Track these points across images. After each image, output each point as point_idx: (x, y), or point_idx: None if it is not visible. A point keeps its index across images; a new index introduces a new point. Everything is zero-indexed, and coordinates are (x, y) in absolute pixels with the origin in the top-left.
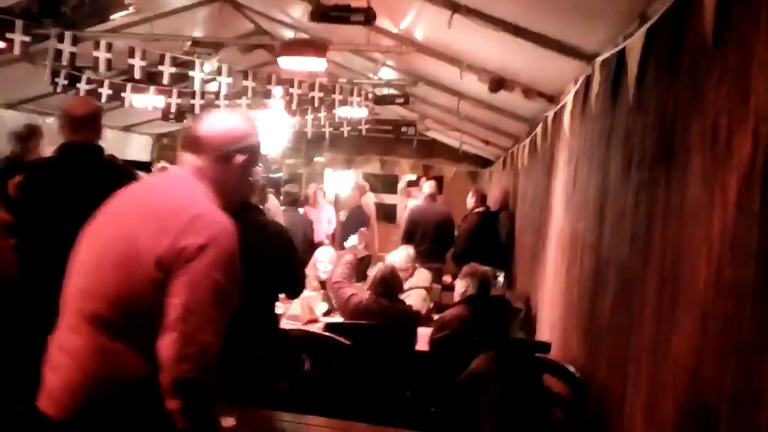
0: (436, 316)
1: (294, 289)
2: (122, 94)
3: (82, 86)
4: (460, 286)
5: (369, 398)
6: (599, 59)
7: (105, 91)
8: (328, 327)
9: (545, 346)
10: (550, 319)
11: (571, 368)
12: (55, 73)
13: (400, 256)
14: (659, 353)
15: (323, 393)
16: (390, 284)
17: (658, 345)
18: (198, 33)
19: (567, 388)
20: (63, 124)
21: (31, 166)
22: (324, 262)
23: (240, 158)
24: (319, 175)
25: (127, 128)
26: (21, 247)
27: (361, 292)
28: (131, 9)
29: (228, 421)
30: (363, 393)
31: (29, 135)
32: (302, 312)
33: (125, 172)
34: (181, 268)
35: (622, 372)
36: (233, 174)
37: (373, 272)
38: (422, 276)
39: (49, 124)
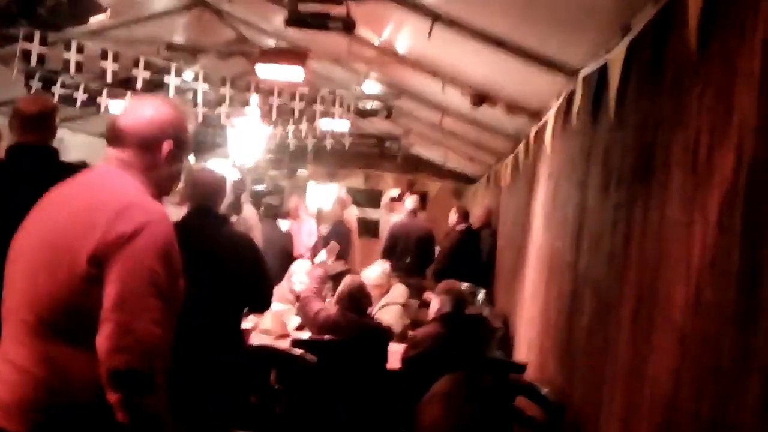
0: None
1: (260, 303)
2: (98, 100)
3: (57, 90)
4: (435, 304)
5: (337, 417)
6: (582, 74)
7: (80, 96)
8: (296, 343)
9: (521, 367)
10: (528, 338)
11: (545, 390)
12: (29, 76)
13: (375, 271)
14: (635, 377)
15: (290, 410)
16: (357, 298)
17: (634, 368)
18: (178, 39)
19: (542, 411)
20: (13, 122)
21: None
22: (299, 274)
23: (166, 145)
24: (301, 188)
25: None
26: None
27: (329, 307)
28: (108, 12)
29: None
30: (330, 412)
31: None
32: (274, 326)
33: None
34: (113, 257)
35: (598, 395)
36: (161, 162)
37: (341, 287)
38: (398, 291)
39: None
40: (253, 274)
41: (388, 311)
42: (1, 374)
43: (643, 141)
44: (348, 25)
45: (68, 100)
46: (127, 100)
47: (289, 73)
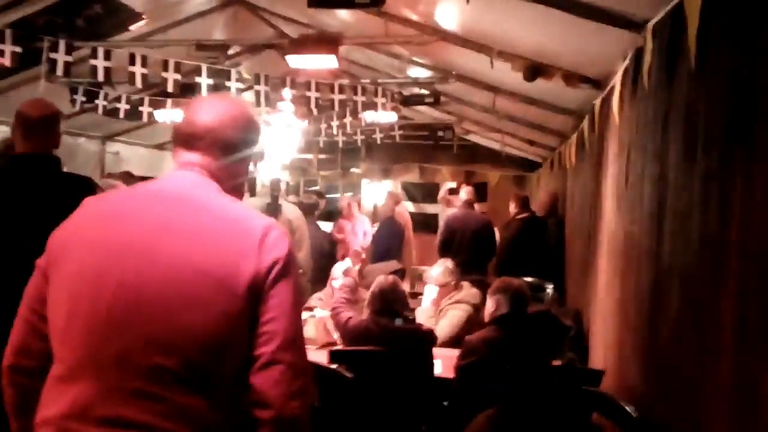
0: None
1: None
2: (140, 109)
3: (101, 102)
4: (491, 304)
5: None
6: (651, 23)
7: (123, 107)
8: (333, 355)
9: (596, 375)
10: (604, 339)
11: (629, 408)
12: (73, 90)
13: (437, 270)
14: (746, 391)
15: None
16: (390, 300)
17: (742, 383)
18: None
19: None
20: (15, 128)
21: None
22: (340, 279)
23: (248, 149)
24: (356, 187)
25: (160, 146)
26: None
27: (360, 314)
28: (145, 19)
29: None
30: (374, 428)
31: (8, 151)
32: (317, 334)
33: (83, 186)
34: (271, 289)
35: (695, 414)
36: (242, 169)
37: (371, 288)
38: (471, 292)
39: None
40: None
41: (457, 310)
42: None
43: (738, 88)
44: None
45: (112, 112)
46: (168, 107)
47: (323, 62)
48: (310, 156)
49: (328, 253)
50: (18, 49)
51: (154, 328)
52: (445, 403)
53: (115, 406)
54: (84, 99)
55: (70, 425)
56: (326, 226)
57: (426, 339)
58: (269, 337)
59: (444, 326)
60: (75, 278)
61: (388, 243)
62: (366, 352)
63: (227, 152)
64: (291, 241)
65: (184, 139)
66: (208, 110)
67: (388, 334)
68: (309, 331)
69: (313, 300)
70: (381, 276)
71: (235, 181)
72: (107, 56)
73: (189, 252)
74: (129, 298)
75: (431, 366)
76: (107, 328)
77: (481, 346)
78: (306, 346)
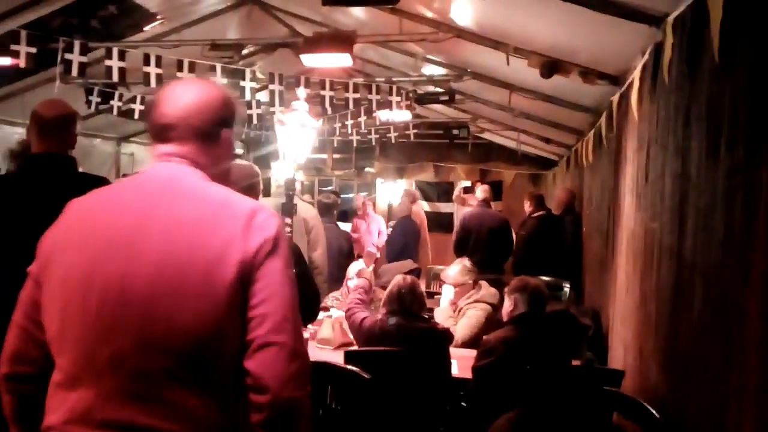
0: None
1: (304, 314)
2: None
3: (115, 103)
4: (508, 304)
5: None
6: (671, 17)
7: (138, 107)
8: (349, 356)
9: (616, 375)
10: (624, 339)
11: (651, 409)
12: (88, 92)
13: (453, 269)
14: None
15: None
16: (406, 300)
17: None
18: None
19: None
20: (31, 128)
21: None
22: (355, 279)
23: (226, 132)
24: (371, 186)
25: None
26: None
27: (376, 314)
28: (159, 19)
29: None
30: (391, 429)
31: (25, 151)
32: (333, 335)
33: (99, 186)
34: (258, 271)
35: (718, 414)
36: (224, 152)
37: (388, 287)
38: (489, 291)
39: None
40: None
41: (477, 309)
42: None
43: (764, 81)
44: None
45: (127, 113)
46: None
47: (337, 60)
48: (324, 156)
49: (346, 253)
50: (33, 50)
51: (144, 328)
52: (463, 404)
53: (115, 410)
54: (99, 100)
55: (72, 430)
56: (345, 226)
57: (442, 338)
58: (260, 319)
59: (463, 327)
60: (64, 284)
61: (404, 242)
62: (382, 353)
63: (203, 137)
64: (281, 223)
65: (157, 132)
66: (177, 98)
67: (403, 334)
68: (325, 331)
69: (329, 300)
70: (399, 276)
71: (219, 165)
72: (122, 57)
73: (172, 246)
74: (115, 300)
75: (448, 366)
76: (98, 333)
77: (499, 347)
78: (323, 346)
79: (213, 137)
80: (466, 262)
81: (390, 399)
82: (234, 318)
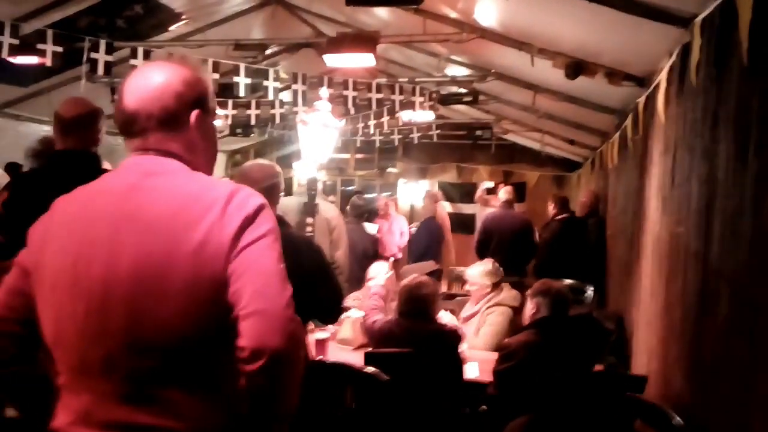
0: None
1: (327, 314)
2: None
3: None
4: (530, 307)
5: None
6: (699, 18)
7: None
8: (368, 357)
9: (639, 382)
10: (648, 344)
11: (675, 416)
12: (114, 90)
13: (476, 269)
14: None
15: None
16: (414, 301)
17: None
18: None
19: None
20: (54, 127)
21: (17, 179)
22: (375, 279)
23: (193, 114)
24: (393, 186)
25: None
26: None
27: (387, 317)
28: (184, 19)
29: None
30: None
31: (46, 150)
32: (354, 335)
33: None
34: (236, 248)
35: (744, 423)
36: (198, 137)
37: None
38: (510, 294)
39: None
40: (317, 281)
41: (497, 313)
42: None
43: None
44: None
45: None
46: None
47: (360, 60)
48: (347, 155)
49: (371, 255)
50: (59, 49)
51: (131, 329)
52: (484, 407)
53: (113, 411)
54: None
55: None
56: (371, 227)
57: (449, 339)
58: (238, 295)
59: (487, 334)
60: (54, 289)
61: (428, 243)
62: (396, 355)
63: (167, 125)
64: (263, 202)
65: (120, 126)
66: (135, 88)
67: (410, 336)
68: (345, 331)
69: (350, 300)
70: (410, 277)
71: (196, 151)
72: (146, 56)
73: (150, 243)
74: (100, 303)
75: (459, 366)
76: (89, 337)
77: (521, 350)
78: (343, 346)
79: (179, 123)
80: (489, 264)
81: (406, 400)
82: (220, 310)
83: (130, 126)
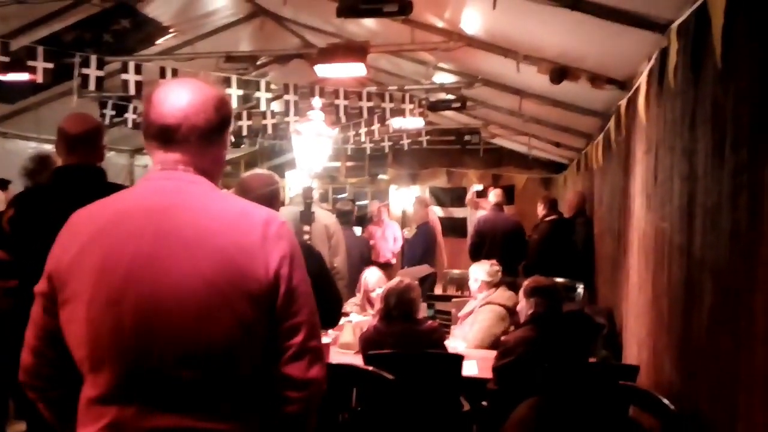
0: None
1: (326, 319)
2: None
3: (130, 116)
4: (524, 304)
5: None
6: (675, 24)
7: None
8: (369, 358)
9: (631, 371)
10: (638, 336)
11: (665, 400)
12: (103, 105)
13: (483, 269)
14: None
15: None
16: (405, 303)
17: None
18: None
19: (660, 423)
20: (59, 144)
21: (22, 196)
22: (374, 283)
23: (226, 131)
24: (384, 193)
25: None
26: (21, 287)
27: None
28: (172, 32)
29: None
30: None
31: (40, 167)
32: (354, 340)
33: None
34: (285, 283)
35: (730, 404)
36: (221, 152)
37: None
38: (504, 294)
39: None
40: (318, 288)
41: (486, 311)
42: None
43: (765, 84)
44: (404, 6)
45: (141, 125)
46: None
47: (351, 70)
48: (338, 164)
49: (367, 259)
50: (50, 66)
51: (178, 344)
52: (484, 404)
53: (156, 420)
54: (113, 113)
55: None
56: (357, 232)
57: (436, 335)
58: (296, 329)
59: (475, 330)
60: (91, 306)
61: (424, 248)
62: (393, 355)
63: (206, 139)
64: (293, 233)
65: (156, 134)
66: (176, 97)
67: (403, 337)
68: (346, 336)
69: (349, 305)
70: (394, 281)
71: (218, 166)
72: (138, 70)
73: (195, 262)
74: (149, 319)
75: (454, 358)
76: (135, 351)
77: (518, 346)
78: (344, 351)
79: (215, 139)
80: (494, 265)
81: (409, 399)
82: (256, 330)
83: (170, 134)
